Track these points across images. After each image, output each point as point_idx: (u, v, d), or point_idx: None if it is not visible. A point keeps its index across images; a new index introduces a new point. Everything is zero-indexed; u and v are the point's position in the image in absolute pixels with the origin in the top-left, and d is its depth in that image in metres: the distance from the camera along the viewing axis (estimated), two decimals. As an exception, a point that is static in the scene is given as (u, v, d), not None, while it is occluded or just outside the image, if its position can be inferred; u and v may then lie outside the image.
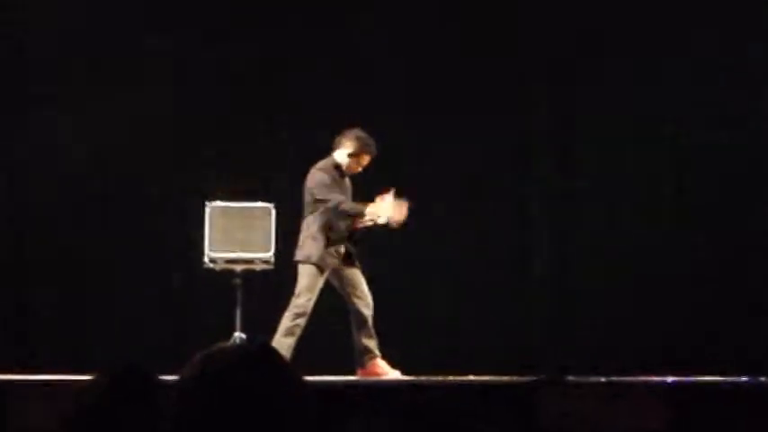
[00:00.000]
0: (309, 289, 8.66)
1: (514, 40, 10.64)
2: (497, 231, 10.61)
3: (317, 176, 8.74)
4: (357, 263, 8.78)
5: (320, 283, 8.70)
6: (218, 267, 9.32)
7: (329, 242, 8.71)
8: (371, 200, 8.67)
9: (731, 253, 10.58)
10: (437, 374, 8.63)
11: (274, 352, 2.25)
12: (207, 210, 9.33)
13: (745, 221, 10.67)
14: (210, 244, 9.29)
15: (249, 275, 9.34)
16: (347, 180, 8.86)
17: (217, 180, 9.96)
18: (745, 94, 10.73)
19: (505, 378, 8.43)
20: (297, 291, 8.69)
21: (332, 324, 9.26)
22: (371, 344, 8.73)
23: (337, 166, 8.81)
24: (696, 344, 10.21)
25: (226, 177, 10.02)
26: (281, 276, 9.51)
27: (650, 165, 10.73)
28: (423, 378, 8.45)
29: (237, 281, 9.28)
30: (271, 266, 9.33)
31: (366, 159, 8.77)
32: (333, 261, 8.71)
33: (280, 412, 2.21)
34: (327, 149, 10.16)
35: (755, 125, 10.72)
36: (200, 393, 2.24)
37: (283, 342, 8.51)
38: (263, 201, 9.42)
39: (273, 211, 9.36)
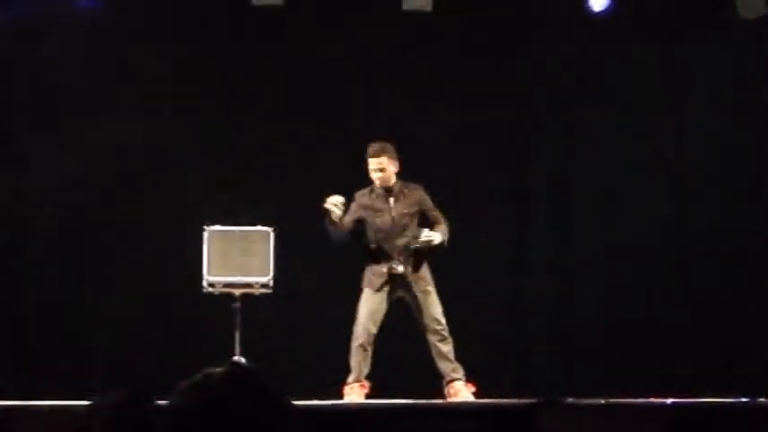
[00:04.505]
0: (362, 310, 8.74)
1: (513, 44, 10.70)
2: (495, 246, 10.63)
3: None
4: (421, 285, 8.78)
5: (370, 303, 8.72)
6: (216, 291, 9.33)
7: (373, 264, 8.78)
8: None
9: (735, 265, 10.60)
10: (434, 398, 8.63)
11: (261, 377, 2.26)
12: (205, 234, 9.34)
13: (750, 232, 10.68)
14: (209, 268, 9.30)
15: (248, 299, 9.34)
16: (396, 197, 8.82)
17: (215, 204, 9.98)
18: (748, 96, 10.77)
19: (503, 401, 8.43)
20: None
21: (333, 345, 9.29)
22: (443, 368, 8.75)
23: (376, 187, 8.86)
24: (697, 364, 10.21)
25: (224, 201, 10.04)
26: (279, 300, 9.52)
27: (651, 175, 10.79)
28: (420, 401, 8.44)
29: (236, 305, 9.29)
30: (269, 290, 9.33)
31: (369, 162, 8.81)
32: (378, 280, 8.75)
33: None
34: (325, 171, 10.18)
35: (760, 127, 10.75)
36: (189, 421, 2.25)
37: (351, 362, 8.70)
38: (261, 225, 9.43)
39: (272, 235, 9.37)
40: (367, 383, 8.74)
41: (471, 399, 8.68)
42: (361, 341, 8.71)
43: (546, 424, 7.25)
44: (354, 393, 8.69)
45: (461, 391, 8.72)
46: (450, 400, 8.68)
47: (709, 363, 10.22)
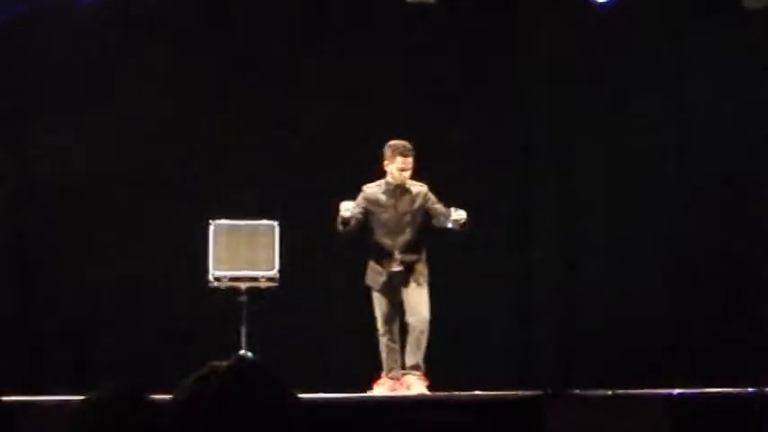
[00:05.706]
0: (377, 310, 8.77)
1: (514, 40, 10.69)
2: (499, 243, 10.62)
3: None
4: (417, 278, 8.77)
5: (382, 304, 8.76)
6: (222, 285, 9.33)
7: (374, 261, 8.80)
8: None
9: (738, 259, 10.60)
10: (441, 390, 8.63)
11: (266, 370, 2.27)
12: (211, 228, 9.34)
13: (752, 229, 10.68)
14: (215, 262, 9.30)
15: (254, 293, 9.34)
16: (401, 194, 8.78)
17: (221, 198, 9.98)
18: (754, 87, 10.76)
19: (511, 392, 8.43)
20: None
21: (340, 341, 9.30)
22: (406, 359, 8.79)
23: (388, 182, 8.82)
24: (701, 355, 10.22)
25: (229, 195, 10.04)
26: (285, 294, 9.53)
27: (655, 171, 10.78)
28: (426, 394, 8.45)
29: (242, 298, 9.29)
30: (276, 284, 9.34)
31: (401, 160, 8.71)
32: (381, 278, 8.76)
33: (272, 430, 2.22)
34: (329, 164, 10.17)
35: (766, 119, 10.74)
36: (194, 414, 2.25)
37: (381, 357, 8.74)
38: (267, 218, 9.43)
39: (278, 229, 9.37)
40: (399, 377, 8.72)
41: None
42: (385, 339, 8.78)
43: (553, 415, 7.25)
44: (382, 387, 8.72)
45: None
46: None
47: (714, 353, 10.22)
